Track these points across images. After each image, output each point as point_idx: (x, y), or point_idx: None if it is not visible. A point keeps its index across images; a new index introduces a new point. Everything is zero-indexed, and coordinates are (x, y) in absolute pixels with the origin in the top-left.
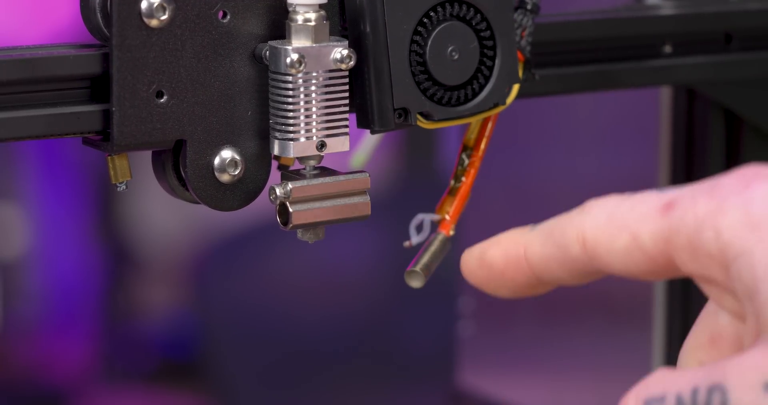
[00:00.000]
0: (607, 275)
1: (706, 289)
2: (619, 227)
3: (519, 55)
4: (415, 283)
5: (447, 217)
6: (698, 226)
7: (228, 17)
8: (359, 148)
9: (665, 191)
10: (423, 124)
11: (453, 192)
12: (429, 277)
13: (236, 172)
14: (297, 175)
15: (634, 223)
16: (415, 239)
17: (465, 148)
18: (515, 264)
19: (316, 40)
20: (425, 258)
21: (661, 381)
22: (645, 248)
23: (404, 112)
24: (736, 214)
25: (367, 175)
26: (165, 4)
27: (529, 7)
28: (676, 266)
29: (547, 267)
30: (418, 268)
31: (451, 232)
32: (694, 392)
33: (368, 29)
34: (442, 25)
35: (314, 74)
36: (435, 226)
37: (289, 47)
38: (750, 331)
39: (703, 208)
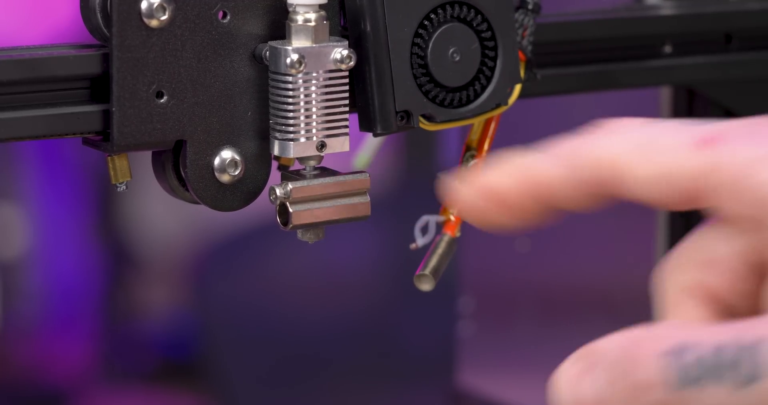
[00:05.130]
0: (620, 200)
1: (727, 223)
2: (650, 155)
3: (520, 54)
4: (426, 286)
5: (452, 217)
6: (747, 168)
7: (228, 17)
8: (362, 149)
9: (693, 124)
10: (425, 126)
11: None
12: (438, 280)
13: (236, 173)
14: (297, 175)
15: (667, 153)
16: (420, 241)
17: (468, 149)
18: (522, 187)
19: (316, 41)
20: (433, 260)
21: (673, 334)
22: (678, 180)
23: (406, 115)
24: None
25: (367, 175)
26: (165, 4)
27: (530, 6)
28: (701, 201)
29: (558, 189)
30: (427, 271)
31: (457, 233)
32: (718, 350)
33: (369, 31)
34: (443, 27)
35: (314, 74)
36: (440, 227)
37: (289, 47)
38: None
39: (748, 151)
